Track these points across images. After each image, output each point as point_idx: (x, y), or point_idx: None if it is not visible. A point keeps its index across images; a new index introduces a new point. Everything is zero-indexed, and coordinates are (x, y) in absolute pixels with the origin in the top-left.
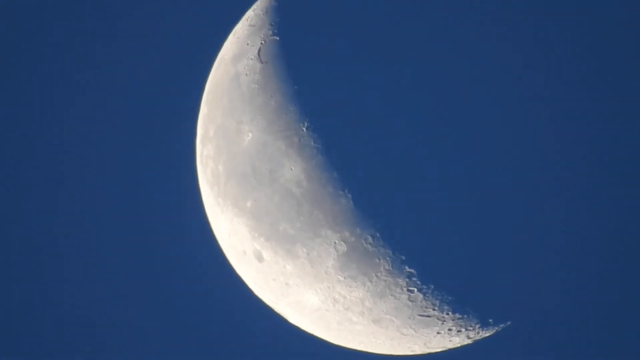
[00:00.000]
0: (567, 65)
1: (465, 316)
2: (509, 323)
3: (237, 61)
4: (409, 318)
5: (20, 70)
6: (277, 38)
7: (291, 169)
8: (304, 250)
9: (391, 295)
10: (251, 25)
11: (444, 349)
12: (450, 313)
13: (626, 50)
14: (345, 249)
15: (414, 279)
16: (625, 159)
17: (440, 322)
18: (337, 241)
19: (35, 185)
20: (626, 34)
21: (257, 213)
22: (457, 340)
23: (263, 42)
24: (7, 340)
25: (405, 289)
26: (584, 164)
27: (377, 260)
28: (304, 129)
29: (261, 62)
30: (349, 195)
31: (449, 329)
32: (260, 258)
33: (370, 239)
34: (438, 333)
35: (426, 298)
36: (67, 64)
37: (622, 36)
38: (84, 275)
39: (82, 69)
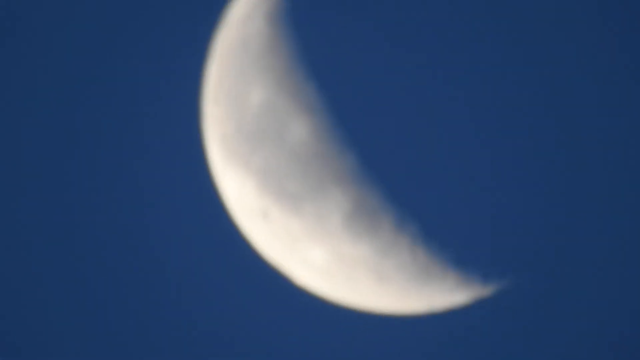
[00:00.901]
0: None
1: (469, 276)
2: (512, 284)
3: (246, 23)
4: (413, 277)
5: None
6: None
7: (299, 129)
8: (311, 208)
9: (396, 253)
10: None
11: (446, 309)
12: (454, 272)
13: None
14: (352, 207)
15: (420, 238)
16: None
17: (443, 282)
18: (343, 199)
19: (46, 153)
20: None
21: (265, 172)
22: (460, 299)
23: (272, 3)
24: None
25: (410, 248)
26: (592, 127)
27: (383, 218)
28: (312, 89)
29: (270, 24)
30: (356, 154)
31: (452, 289)
32: (267, 217)
33: (376, 198)
34: (441, 292)
35: (431, 257)
36: (78, 32)
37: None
38: (87, 242)
39: (84, 36)
